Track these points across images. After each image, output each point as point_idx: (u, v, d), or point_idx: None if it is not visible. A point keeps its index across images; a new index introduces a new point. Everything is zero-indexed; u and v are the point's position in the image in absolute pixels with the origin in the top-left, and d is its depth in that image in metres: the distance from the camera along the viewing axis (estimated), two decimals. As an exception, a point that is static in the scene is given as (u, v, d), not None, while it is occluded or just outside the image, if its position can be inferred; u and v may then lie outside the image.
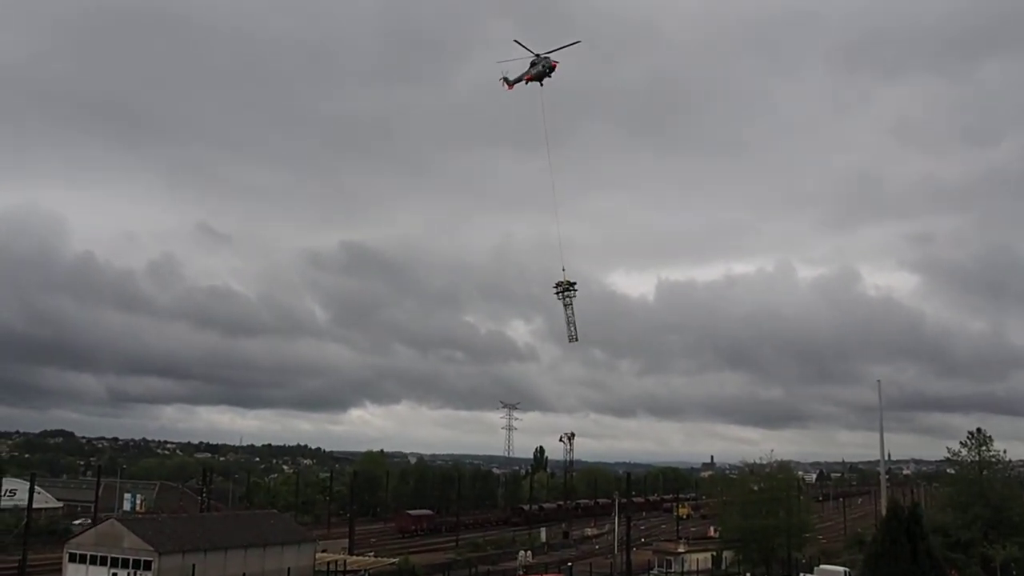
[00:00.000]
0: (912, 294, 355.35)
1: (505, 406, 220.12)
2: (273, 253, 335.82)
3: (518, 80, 70.30)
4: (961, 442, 70.12)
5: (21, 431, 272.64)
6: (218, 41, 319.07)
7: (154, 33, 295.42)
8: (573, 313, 72.40)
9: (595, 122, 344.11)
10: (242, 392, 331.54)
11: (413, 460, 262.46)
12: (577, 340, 74.16)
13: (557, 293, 74.13)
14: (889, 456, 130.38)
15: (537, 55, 69.50)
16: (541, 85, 72.25)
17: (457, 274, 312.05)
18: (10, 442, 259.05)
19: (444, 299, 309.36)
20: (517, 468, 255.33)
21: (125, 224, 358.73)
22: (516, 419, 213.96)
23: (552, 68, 66.66)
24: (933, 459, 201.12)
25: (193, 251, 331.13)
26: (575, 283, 73.66)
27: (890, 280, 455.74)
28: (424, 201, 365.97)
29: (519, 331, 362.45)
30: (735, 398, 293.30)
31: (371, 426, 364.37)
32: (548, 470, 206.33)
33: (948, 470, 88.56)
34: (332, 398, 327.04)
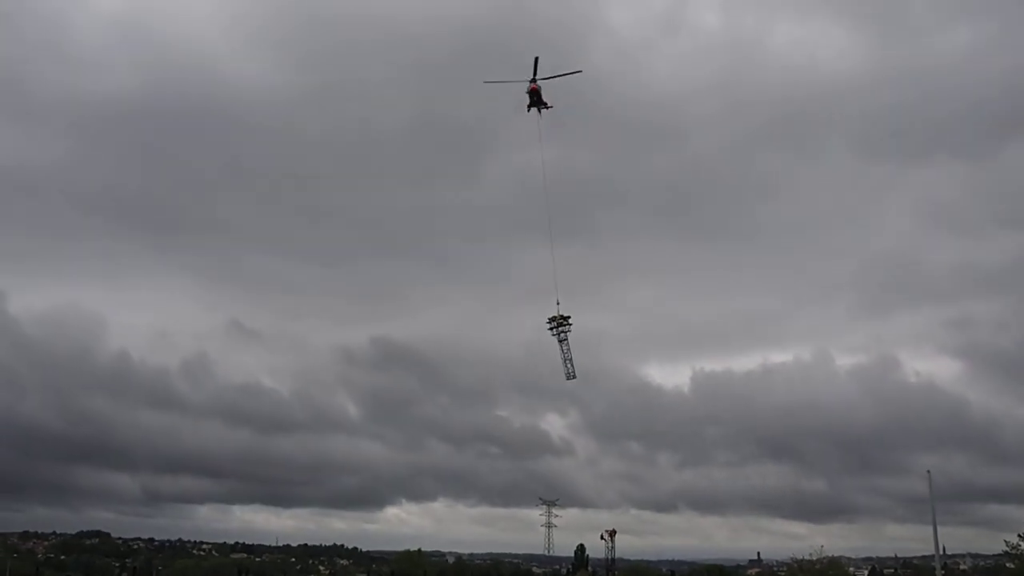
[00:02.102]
0: (955, 380, 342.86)
1: (544, 502, 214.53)
2: (305, 349, 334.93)
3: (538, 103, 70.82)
4: (1020, 535, 65.66)
5: (57, 532, 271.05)
6: (251, 142, 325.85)
7: (188, 135, 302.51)
8: (568, 349, 70.08)
9: (624, 212, 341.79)
10: (277, 490, 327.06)
11: (451, 559, 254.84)
12: (575, 378, 71.47)
13: (551, 328, 71.80)
14: (944, 550, 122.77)
15: (535, 79, 69.65)
16: (539, 113, 72.44)
17: (489, 368, 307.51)
18: (46, 543, 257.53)
19: (477, 393, 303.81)
20: (558, 567, 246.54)
21: (159, 322, 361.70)
22: (555, 515, 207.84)
23: (532, 91, 66.96)
24: (991, 553, 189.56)
25: (225, 348, 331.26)
26: (569, 317, 71.50)
27: (931, 366, 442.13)
28: (455, 295, 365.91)
29: (554, 424, 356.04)
30: (779, 491, 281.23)
31: (407, 524, 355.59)
32: (590, 568, 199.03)
33: (1008, 564, 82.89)
34: (367, 496, 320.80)
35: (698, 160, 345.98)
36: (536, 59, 66.89)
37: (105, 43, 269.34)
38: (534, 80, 69.26)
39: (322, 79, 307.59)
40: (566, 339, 69.86)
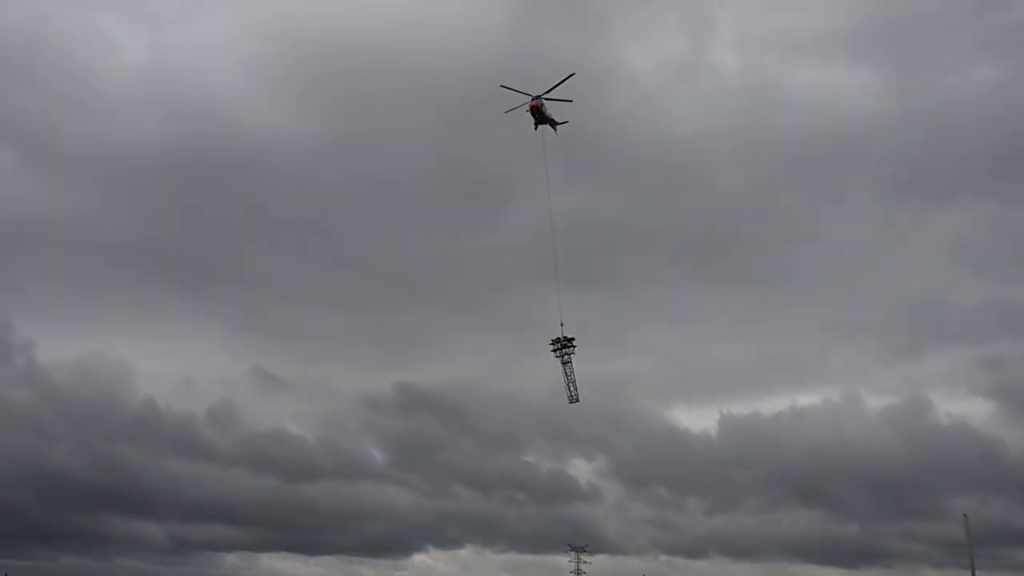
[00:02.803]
0: (988, 421, 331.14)
1: (572, 549, 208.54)
2: (330, 396, 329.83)
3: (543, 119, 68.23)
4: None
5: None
6: (275, 191, 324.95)
7: (213, 185, 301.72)
8: (572, 372, 65.12)
9: (647, 255, 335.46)
10: (304, 538, 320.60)
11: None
12: (578, 401, 66.31)
13: (554, 350, 66.87)
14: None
15: (537, 96, 66.88)
16: (554, 130, 69.42)
17: (515, 413, 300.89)
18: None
19: (503, 438, 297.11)
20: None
21: (185, 370, 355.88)
22: (584, 562, 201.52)
23: (532, 109, 64.21)
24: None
25: (251, 396, 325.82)
26: (573, 339, 66.63)
27: (964, 407, 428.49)
28: (479, 340, 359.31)
29: (581, 470, 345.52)
30: (811, 536, 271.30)
31: (435, 571, 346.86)
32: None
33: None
34: (394, 543, 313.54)
35: (720, 203, 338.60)
36: (504, 86, 63.44)
37: (132, 95, 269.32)
38: (535, 98, 66.32)
39: (344, 129, 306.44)
40: (570, 361, 65.46)
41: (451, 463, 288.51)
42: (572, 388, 63.76)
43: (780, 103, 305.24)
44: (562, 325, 64.92)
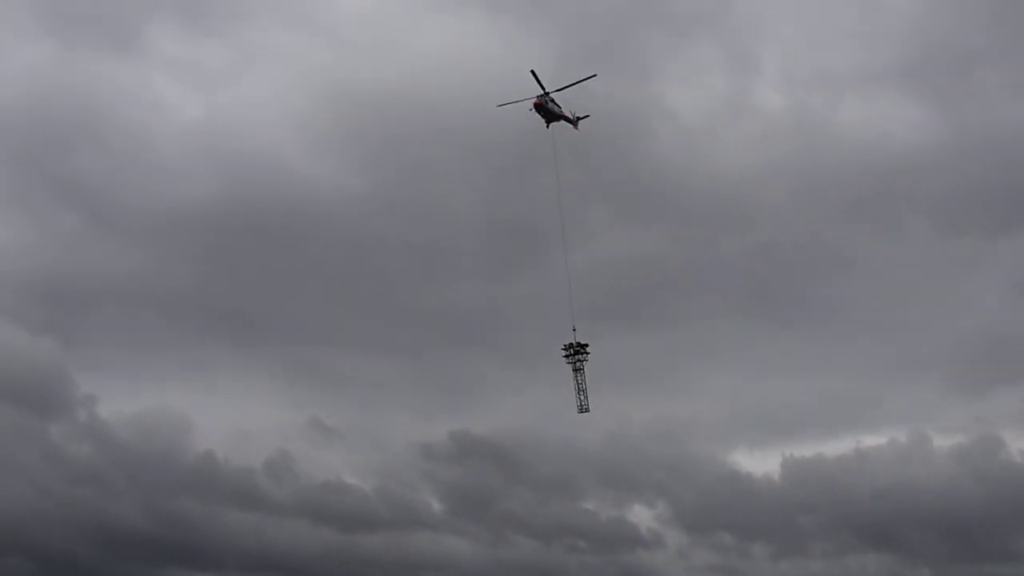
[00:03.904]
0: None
1: None
2: (385, 445, 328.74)
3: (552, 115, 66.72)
4: None
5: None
6: (326, 243, 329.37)
7: (266, 238, 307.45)
8: (584, 380, 61.92)
9: (701, 297, 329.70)
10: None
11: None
12: (588, 411, 63.09)
13: (566, 356, 63.96)
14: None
15: (546, 92, 65.36)
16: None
17: (572, 459, 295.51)
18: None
19: (560, 486, 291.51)
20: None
21: (242, 422, 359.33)
22: None
23: (536, 106, 62.44)
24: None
25: (307, 447, 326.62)
26: (587, 345, 63.59)
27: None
28: (532, 387, 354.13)
29: (641, 516, 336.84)
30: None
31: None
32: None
33: None
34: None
35: (773, 241, 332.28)
36: (533, 71, 61.77)
37: (186, 153, 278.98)
38: (539, 96, 64.57)
39: (393, 179, 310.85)
40: (582, 368, 62.33)
41: (509, 511, 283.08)
42: (583, 398, 60.65)
43: (829, 140, 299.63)
44: (574, 330, 62.51)
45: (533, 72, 61.72)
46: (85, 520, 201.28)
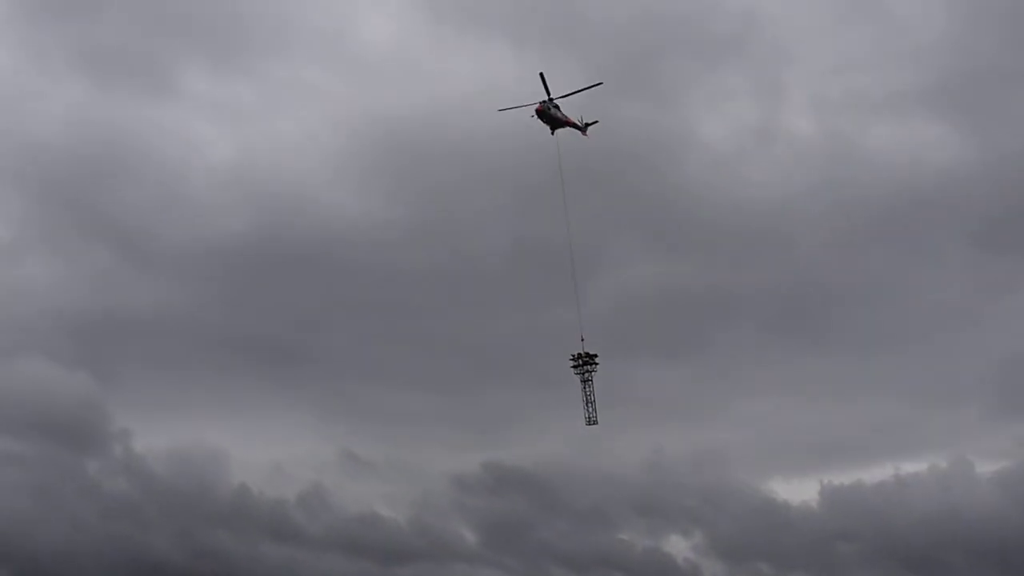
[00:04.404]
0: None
1: None
2: (419, 477, 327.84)
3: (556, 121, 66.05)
4: None
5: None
6: (357, 277, 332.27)
7: (299, 273, 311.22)
8: (593, 392, 60.81)
9: (736, 324, 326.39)
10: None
11: None
12: (597, 423, 61.90)
13: (574, 367, 62.97)
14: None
15: (550, 98, 64.88)
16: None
17: (606, 489, 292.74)
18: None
19: (595, 516, 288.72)
20: None
21: (276, 455, 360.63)
22: None
23: (538, 112, 61.75)
24: None
25: (341, 479, 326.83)
26: (596, 356, 62.62)
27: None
28: (565, 417, 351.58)
29: (678, 547, 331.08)
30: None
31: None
32: None
33: None
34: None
35: (806, 267, 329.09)
36: (541, 74, 61.39)
37: (217, 188, 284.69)
38: (542, 102, 63.98)
39: (423, 213, 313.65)
40: (591, 379, 61.24)
41: (544, 542, 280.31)
42: (591, 410, 59.38)
43: (859, 162, 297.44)
44: (583, 340, 61.55)
45: (542, 75, 61.40)
46: (121, 554, 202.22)
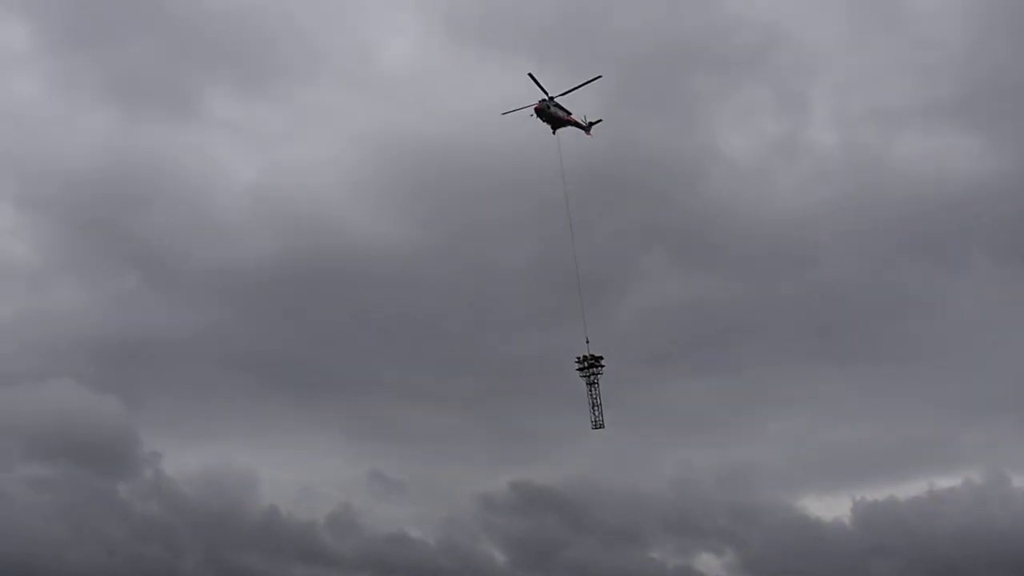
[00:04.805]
0: None
1: None
2: (447, 497, 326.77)
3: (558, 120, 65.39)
4: None
5: None
6: (382, 296, 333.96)
7: (324, 295, 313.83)
8: (599, 395, 60.07)
9: (764, 340, 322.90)
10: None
11: None
12: (602, 427, 61.12)
13: (580, 369, 62.26)
14: None
15: (549, 96, 64.40)
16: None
17: (635, 508, 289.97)
18: None
19: (625, 535, 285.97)
20: None
21: (304, 477, 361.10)
22: None
23: (537, 111, 61.22)
24: None
25: (369, 500, 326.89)
26: (601, 358, 61.88)
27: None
28: (593, 435, 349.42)
29: (709, 565, 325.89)
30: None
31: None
32: None
33: None
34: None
35: (835, 281, 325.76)
36: (531, 74, 60.97)
37: (243, 213, 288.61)
38: (540, 100, 63.39)
39: (447, 231, 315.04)
40: (596, 382, 60.37)
41: (573, 561, 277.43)
42: (596, 412, 58.52)
43: (885, 174, 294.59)
44: (588, 343, 60.70)
45: (531, 75, 60.81)
46: (152, 575, 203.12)
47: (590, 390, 61.22)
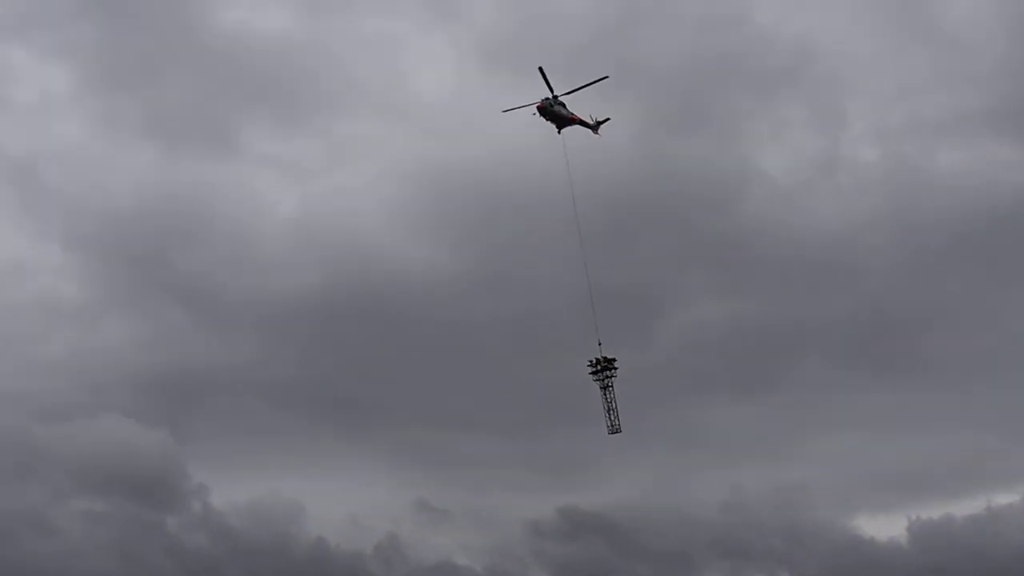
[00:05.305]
0: None
1: None
2: (494, 524, 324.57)
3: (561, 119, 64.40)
4: None
5: None
6: (425, 327, 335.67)
7: (367, 326, 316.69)
8: (614, 398, 58.79)
9: (811, 357, 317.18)
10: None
11: None
12: (619, 431, 59.79)
13: (592, 373, 61.19)
14: None
15: (553, 95, 63.74)
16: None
17: (685, 531, 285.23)
18: None
19: (675, 558, 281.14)
20: None
21: (350, 507, 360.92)
22: None
23: (540, 109, 60.59)
24: None
25: (416, 529, 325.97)
26: (614, 360, 60.75)
27: None
28: (640, 460, 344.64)
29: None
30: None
31: None
32: None
33: None
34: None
35: (881, 296, 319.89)
36: (540, 69, 60.40)
37: (285, 245, 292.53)
38: (544, 99, 62.73)
39: (487, 259, 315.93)
40: (610, 385, 59.10)
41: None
42: (613, 417, 57.07)
43: (927, 188, 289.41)
44: (600, 344, 59.40)
45: (541, 69, 60.08)
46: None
47: (604, 393, 60.02)
